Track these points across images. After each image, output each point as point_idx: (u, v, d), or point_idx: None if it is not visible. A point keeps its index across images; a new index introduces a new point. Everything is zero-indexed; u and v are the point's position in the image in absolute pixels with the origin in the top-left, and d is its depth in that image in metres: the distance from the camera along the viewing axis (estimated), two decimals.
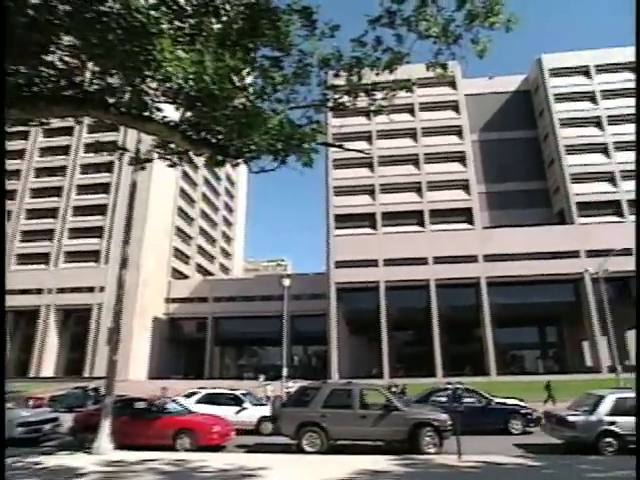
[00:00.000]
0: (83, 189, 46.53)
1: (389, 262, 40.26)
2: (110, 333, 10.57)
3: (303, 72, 6.16)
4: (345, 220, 42.23)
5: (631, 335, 44.60)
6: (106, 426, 9.39)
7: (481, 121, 47.96)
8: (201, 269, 56.07)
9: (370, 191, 43.66)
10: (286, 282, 20.97)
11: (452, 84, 46.45)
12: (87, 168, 47.17)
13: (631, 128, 43.09)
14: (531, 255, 39.72)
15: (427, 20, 5.73)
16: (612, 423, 9.48)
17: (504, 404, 13.32)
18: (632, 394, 9.90)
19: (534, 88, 49.07)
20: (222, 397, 13.37)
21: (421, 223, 42.28)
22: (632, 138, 42.54)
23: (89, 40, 4.85)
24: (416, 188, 43.61)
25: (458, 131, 45.44)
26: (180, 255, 51.58)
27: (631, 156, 42.31)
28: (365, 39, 6.08)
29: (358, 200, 43.15)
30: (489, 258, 40.10)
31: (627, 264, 37.85)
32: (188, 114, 5.96)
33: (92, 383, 25.68)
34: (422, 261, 40.30)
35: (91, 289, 42.09)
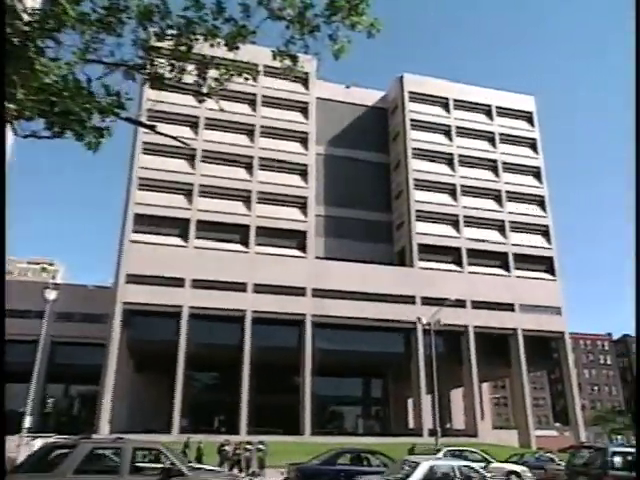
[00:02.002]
0: None
1: (198, 283, 44.27)
2: None
3: (113, 19, 6.07)
4: (149, 222, 44.98)
5: (456, 394, 57.93)
6: None
7: (330, 132, 57.24)
8: None
9: (186, 191, 47.88)
10: (51, 294, 21.57)
11: (305, 82, 54.80)
12: None
13: (481, 174, 57.85)
14: (366, 296, 48.21)
15: None
16: None
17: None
18: (447, 461, 11.93)
19: (392, 108, 60.88)
20: None
21: (244, 241, 47.99)
22: (479, 184, 57.01)
23: None
24: (245, 197, 49.48)
25: (303, 139, 53.53)
26: None
27: (476, 202, 56.46)
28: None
29: (169, 200, 46.72)
30: (319, 293, 47.52)
31: (460, 317, 50.00)
32: None
33: None
34: (240, 287, 45.48)
35: None
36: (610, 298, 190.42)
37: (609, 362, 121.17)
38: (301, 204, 51.15)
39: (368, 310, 47.58)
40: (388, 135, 60.34)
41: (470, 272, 52.62)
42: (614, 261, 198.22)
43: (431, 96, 59.58)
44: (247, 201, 49.55)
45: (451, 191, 56.27)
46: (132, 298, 42.18)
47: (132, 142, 48.53)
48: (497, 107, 61.47)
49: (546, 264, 55.93)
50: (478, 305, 51.23)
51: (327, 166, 55.93)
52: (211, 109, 46.72)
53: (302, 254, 49.19)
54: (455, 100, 59.94)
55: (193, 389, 45.64)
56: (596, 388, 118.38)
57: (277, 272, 46.55)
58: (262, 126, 52.59)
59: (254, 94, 52.52)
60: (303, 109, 54.73)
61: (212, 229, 47.00)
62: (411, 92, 58.78)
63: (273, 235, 48.86)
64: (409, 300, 49.49)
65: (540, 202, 58.66)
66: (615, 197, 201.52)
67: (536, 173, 60.11)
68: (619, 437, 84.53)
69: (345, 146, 57.48)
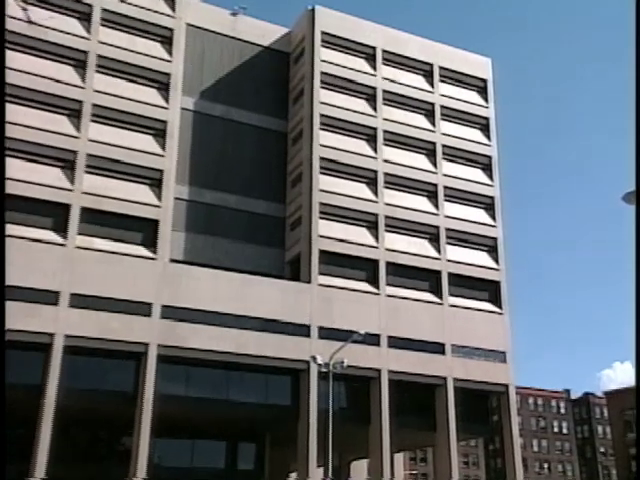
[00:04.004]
0: None
1: None
2: None
3: None
4: None
5: (359, 467, 58.74)
6: None
7: (205, 80, 56.70)
8: None
9: None
10: None
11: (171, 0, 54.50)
12: None
13: (413, 159, 59.34)
14: (240, 321, 48.19)
15: None
16: None
17: None
18: None
19: (297, 54, 60.98)
20: None
21: (61, 228, 46.37)
22: (410, 174, 58.40)
23: None
24: (69, 164, 48.13)
25: (162, 83, 52.70)
26: None
27: (406, 199, 57.67)
28: None
29: None
30: (171, 313, 46.88)
31: (372, 358, 50.58)
32: None
33: None
34: (48, 298, 44.14)
35: None
36: (572, 342, 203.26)
37: (565, 430, 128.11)
38: (154, 180, 50.29)
39: (243, 342, 47.83)
40: (288, 92, 60.89)
41: (389, 295, 53.81)
42: (576, 296, 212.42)
43: (353, 42, 60.31)
44: (70, 168, 48.13)
45: (371, 180, 57.12)
46: None
47: None
48: (442, 69, 63.42)
49: (490, 290, 58.38)
50: (397, 342, 52.48)
51: (197, 129, 55.94)
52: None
53: (150, 254, 48.36)
54: (385, 52, 61.02)
55: None
56: (546, 466, 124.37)
57: (110, 278, 45.18)
58: (100, 56, 51.34)
59: (89, 4, 51.71)
60: (165, 39, 54.27)
61: None
62: (325, 33, 59.09)
63: (108, 223, 47.84)
64: (302, 330, 50.20)
65: (489, 205, 61.41)
66: (595, 203, 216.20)
67: (486, 166, 62.80)
68: None
69: (225, 102, 57.63)
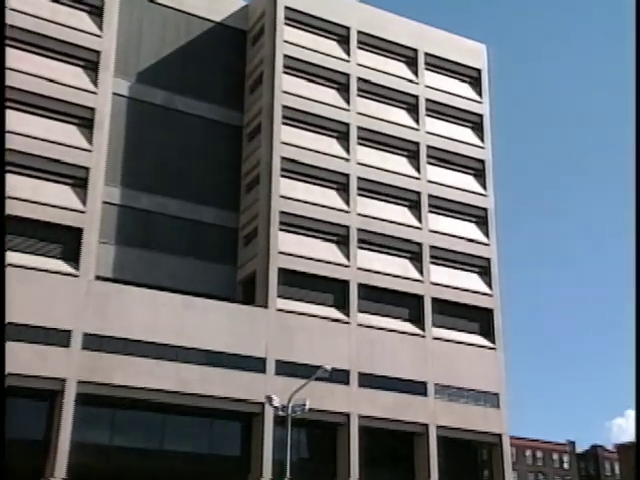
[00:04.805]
0: None
1: None
2: None
3: None
4: None
5: None
6: None
7: (144, 61, 56.18)
8: None
9: None
10: None
11: None
12: None
13: (394, 162, 58.82)
14: (180, 353, 47.29)
15: None
16: None
17: None
18: None
19: (255, 32, 60.50)
20: None
21: None
22: (387, 179, 57.72)
23: None
24: None
25: (92, 62, 51.81)
26: None
27: (382, 208, 56.94)
28: None
29: None
30: (93, 343, 45.69)
31: (339, 400, 49.82)
32: None
33: None
34: None
35: None
36: (578, 385, 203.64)
37: None
38: (77, 180, 49.43)
39: (183, 379, 46.98)
40: (245, 79, 60.67)
41: (362, 324, 53.57)
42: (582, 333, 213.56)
43: (323, 21, 60.19)
44: None
45: (342, 186, 56.97)
46: None
47: None
48: (428, 55, 63.36)
49: (482, 320, 58.31)
50: (370, 381, 52.04)
51: (133, 119, 55.35)
52: None
53: (71, 269, 47.35)
54: (361, 34, 60.85)
55: None
56: None
57: (20, 298, 42.69)
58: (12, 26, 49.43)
59: None
60: (94, 9, 53.58)
61: None
62: (290, 9, 58.74)
63: (19, 231, 46.42)
64: (256, 365, 49.52)
65: (481, 218, 61.24)
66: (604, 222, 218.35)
67: (479, 171, 62.85)
68: None
69: (168, 88, 57.25)
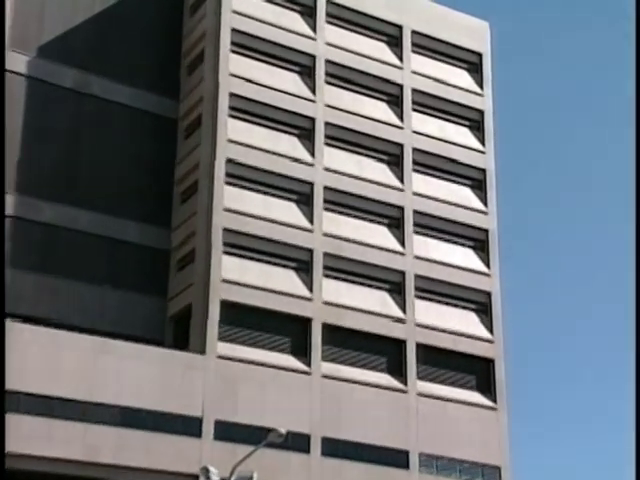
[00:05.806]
0: None
1: None
2: None
3: None
4: None
5: None
6: None
7: (49, 31, 55.39)
8: None
9: None
10: None
11: None
12: None
13: (374, 169, 57.70)
14: (91, 410, 45.57)
15: None
16: None
17: None
18: None
19: (194, 0, 60.03)
20: None
21: None
22: (361, 189, 56.36)
23: None
24: None
25: None
26: None
27: (355, 230, 55.79)
28: None
29: None
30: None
31: (298, 475, 48.99)
32: None
33: None
34: None
35: None
36: (601, 454, 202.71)
37: None
38: None
39: (93, 445, 45.55)
40: (181, 58, 60.50)
41: (327, 375, 53.00)
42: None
43: None
44: None
45: (303, 197, 56.14)
46: None
47: None
48: (416, 34, 62.87)
49: (479, 372, 57.89)
50: (337, 448, 51.49)
51: (34, 105, 54.53)
52: None
53: None
54: (332, 4, 60.22)
55: None
56: None
57: None
58: None
59: None
60: None
61: None
62: None
63: None
64: (189, 426, 48.57)
65: (480, 242, 61.04)
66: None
67: (478, 182, 62.60)
68: None
69: (81, 66, 56.27)
